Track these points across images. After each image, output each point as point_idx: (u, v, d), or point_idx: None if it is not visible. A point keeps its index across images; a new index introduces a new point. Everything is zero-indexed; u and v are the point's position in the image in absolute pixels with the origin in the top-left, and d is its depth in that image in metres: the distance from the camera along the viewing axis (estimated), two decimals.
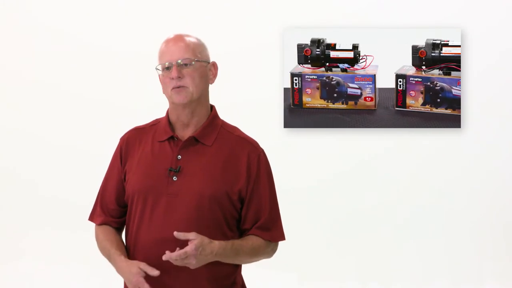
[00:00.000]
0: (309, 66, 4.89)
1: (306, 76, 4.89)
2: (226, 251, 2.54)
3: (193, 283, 2.57)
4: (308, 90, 4.90)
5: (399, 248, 5.05)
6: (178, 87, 2.57)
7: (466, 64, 4.97)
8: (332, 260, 5.04)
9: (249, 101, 5.01)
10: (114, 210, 2.72)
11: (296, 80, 4.88)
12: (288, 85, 4.93)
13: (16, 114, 5.15)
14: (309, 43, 4.87)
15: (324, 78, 4.88)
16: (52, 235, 5.09)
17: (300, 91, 4.89)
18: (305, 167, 5.06)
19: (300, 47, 4.88)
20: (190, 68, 2.59)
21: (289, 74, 4.89)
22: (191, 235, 2.46)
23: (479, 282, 5.02)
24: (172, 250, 2.47)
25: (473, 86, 4.99)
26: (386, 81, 4.91)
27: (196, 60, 2.60)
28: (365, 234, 5.05)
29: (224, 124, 2.70)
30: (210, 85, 2.68)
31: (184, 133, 2.65)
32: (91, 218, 2.77)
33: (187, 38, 2.63)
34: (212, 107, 2.70)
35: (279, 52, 4.99)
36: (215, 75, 2.69)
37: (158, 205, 2.59)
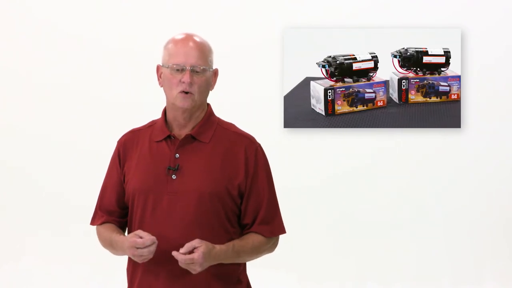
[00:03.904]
0: None
1: None
2: (227, 254, 2.56)
3: (200, 281, 2.58)
4: None
5: (399, 248, 5.05)
6: (187, 92, 2.58)
7: (466, 64, 4.97)
8: (332, 260, 5.04)
9: (249, 101, 5.01)
10: (115, 212, 2.73)
11: None
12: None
13: (17, 115, 5.15)
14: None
15: None
16: (52, 235, 5.09)
17: None
18: (305, 167, 5.06)
19: None
20: (200, 75, 2.60)
21: None
22: (196, 243, 2.48)
23: (479, 282, 5.02)
24: (175, 248, 2.50)
25: (473, 86, 4.99)
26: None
27: (208, 69, 2.62)
28: (365, 234, 5.05)
29: (220, 121, 2.72)
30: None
31: (181, 132, 2.66)
32: (93, 222, 2.79)
33: (201, 41, 2.64)
34: (207, 105, 2.71)
35: (279, 52, 4.99)
36: (215, 83, 2.71)
37: (159, 204, 2.60)
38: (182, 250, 2.47)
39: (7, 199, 5.14)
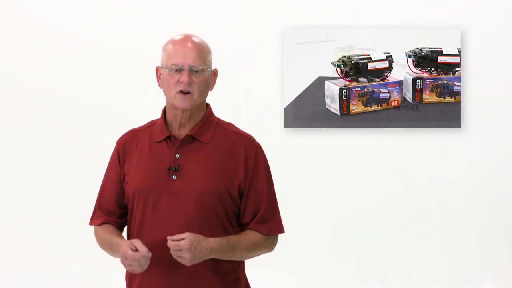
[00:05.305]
0: None
1: None
2: (221, 247, 2.57)
3: (198, 278, 2.60)
4: None
5: (399, 248, 5.05)
6: (186, 92, 2.59)
7: (466, 64, 4.98)
8: (332, 260, 5.04)
9: (249, 101, 5.01)
10: (114, 212, 2.73)
11: None
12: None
13: (16, 115, 5.15)
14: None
15: None
16: (52, 235, 5.09)
17: None
18: (305, 167, 5.06)
19: None
20: (199, 75, 2.61)
21: None
22: (184, 234, 2.50)
23: (479, 282, 5.02)
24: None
25: (473, 86, 4.99)
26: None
27: (206, 69, 2.62)
28: (365, 234, 5.05)
29: (219, 121, 2.73)
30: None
31: (181, 132, 2.67)
32: (91, 221, 2.79)
33: (199, 42, 2.64)
34: (207, 105, 2.72)
35: (279, 52, 4.99)
36: (214, 83, 2.71)
37: (160, 204, 2.61)
38: (171, 237, 2.49)
39: (7, 199, 5.14)
